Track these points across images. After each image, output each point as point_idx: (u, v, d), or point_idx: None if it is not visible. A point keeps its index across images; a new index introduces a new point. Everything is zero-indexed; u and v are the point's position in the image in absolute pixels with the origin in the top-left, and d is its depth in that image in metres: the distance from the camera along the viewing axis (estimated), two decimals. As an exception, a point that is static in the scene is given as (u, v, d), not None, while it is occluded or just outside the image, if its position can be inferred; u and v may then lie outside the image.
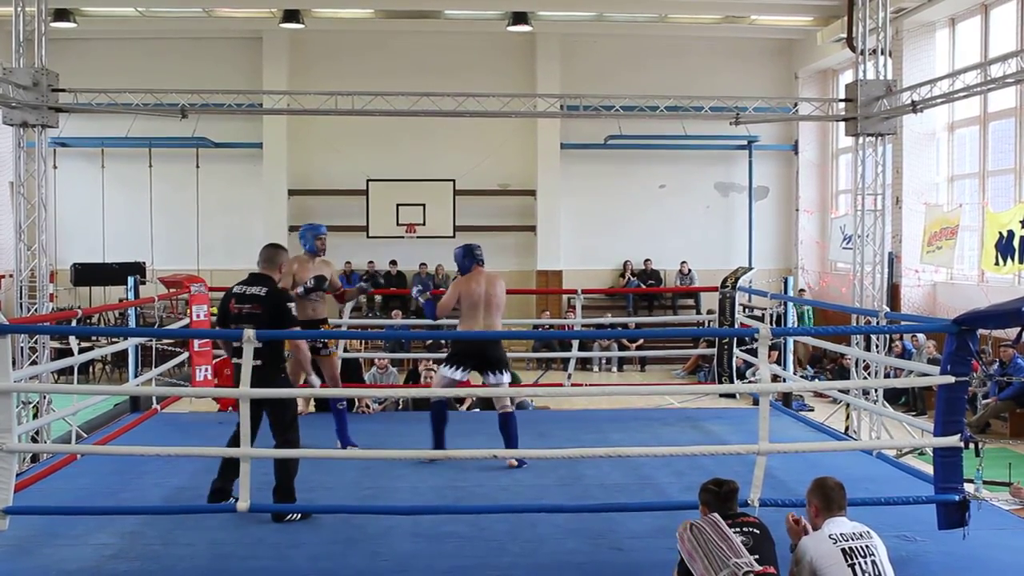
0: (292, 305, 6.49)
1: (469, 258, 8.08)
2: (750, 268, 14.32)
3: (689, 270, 18.86)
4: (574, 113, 13.79)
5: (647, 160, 19.33)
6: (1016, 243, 12.25)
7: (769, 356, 5.96)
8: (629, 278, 19.15)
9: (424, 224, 18.45)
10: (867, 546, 4.29)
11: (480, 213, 18.86)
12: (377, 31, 18.64)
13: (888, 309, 9.68)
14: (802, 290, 18.50)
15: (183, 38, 18.54)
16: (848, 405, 10.42)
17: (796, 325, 13.40)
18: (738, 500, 4.73)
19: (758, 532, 4.37)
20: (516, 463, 7.47)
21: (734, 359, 11.45)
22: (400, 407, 11.34)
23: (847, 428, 10.49)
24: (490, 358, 7.48)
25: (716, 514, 4.39)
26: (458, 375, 7.50)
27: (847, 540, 4.29)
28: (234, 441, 6.22)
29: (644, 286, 18.76)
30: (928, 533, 5.90)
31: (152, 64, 17.89)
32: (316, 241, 8.51)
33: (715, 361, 11.96)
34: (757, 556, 4.18)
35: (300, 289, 8.09)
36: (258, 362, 6.15)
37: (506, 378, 7.58)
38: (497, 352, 7.57)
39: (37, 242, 9.85)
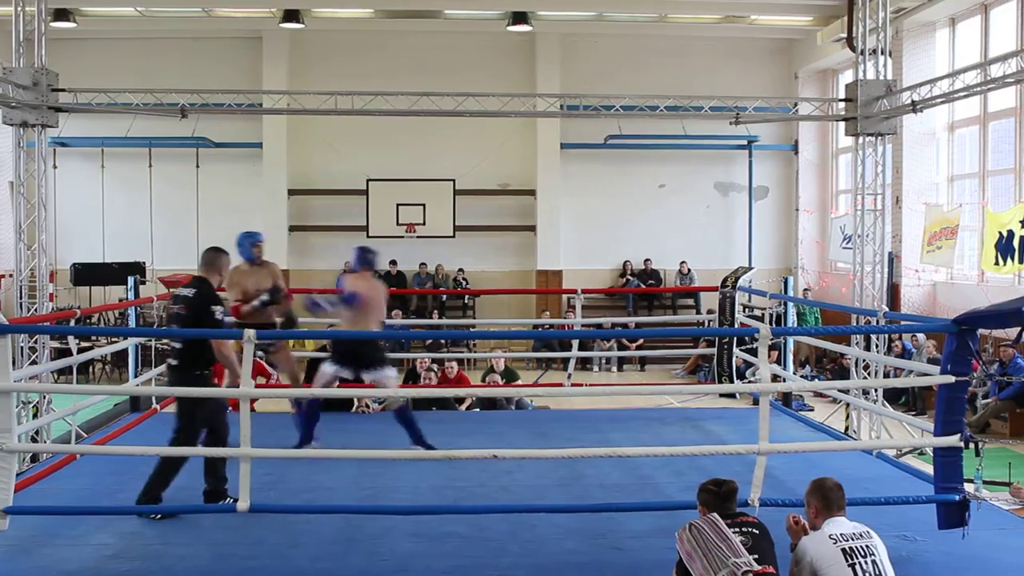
0: (218, 308, 6.58)
1: (362, 261, 8.26)
2: (750, 268, 14.33)
3: (689, 270, 18.85)
4: (574, 113, 13.82)
5: (647, 160, 19.31)
6: (1016, 243, 12.24)
7: (769, 356, 5.97)
8: (629, 278, 19.14)
9: (424, 224, 18.44)
10: (867, 546, 4.28)
11: (480, 213, 18.85)
12: (377, 31, 18.62)
13: (887, 309, 9.69)
14: (806, 290, 18.47)
15: (183, 38, 18.52)
16: (848, 405, 10.42)
17: (796, 325, 13.39)
18: (738, 500, 4.72)
19: (757, 532, 4.34)
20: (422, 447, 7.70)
21: (734, 359, 11.46)
22: (400, 407, 11.33)
23: (847, 428, 10.50)
24: (366, 357, 7.78)
25: (715, 514, 4.36)
26: (342, 373, 7.87)
27: (847, 540, 4.28)
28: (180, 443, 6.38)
29: (644, 286, 18.75)
30: (928, 533, 5.91)
31: (152, 64, 17.87)
32: (253, 248, 8.54)
33: (715, 361, 11.97)
34: (756, 556, 4.16)
35: (257, 302, 8.14)
36: (175, 362, 6.44)
37: (382, 374, 7.84)
38: (372, 352, 7.84)
39: (37, 242, 9.86)
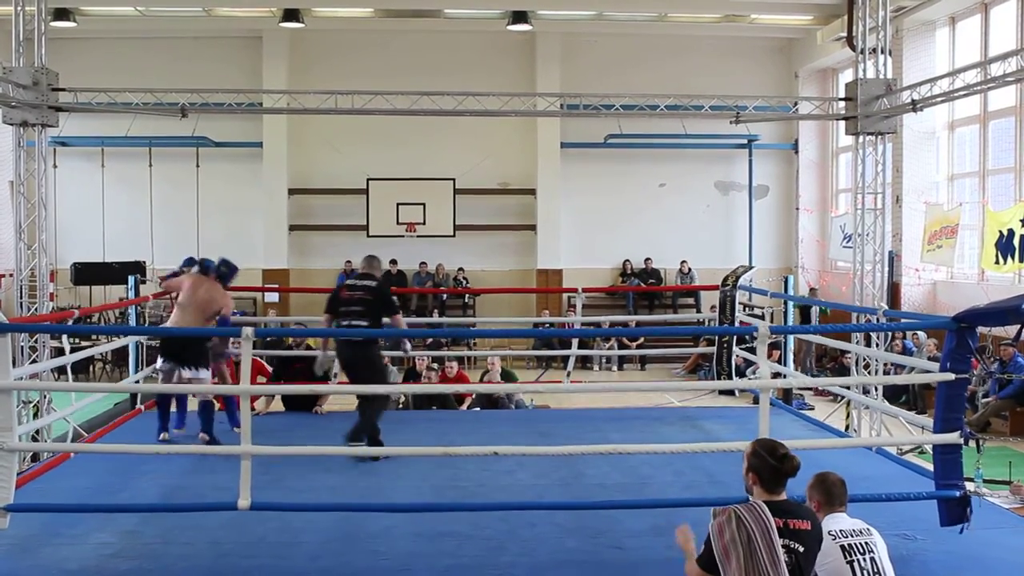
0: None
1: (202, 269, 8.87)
2: (750, 267, 14.31)
3: (689, 269, 18.83)
4: (574, 112, 13.82)
5: (647, 159, 19.32)
6: (1016, 242, 12.24)
7: (770, 355, 5.96)
8: (629, 277, 19.13)
9: (424, 223, 18.45)
10: (866, 543, 4.26)
11: (480, 212, 18.85)
12: (377, 30, 18.62)
13: (886, 307, 9.67)
14: (814, 289, 18.42)
15: (183, 37, 18.52)
16: (848, 403, 10.41)
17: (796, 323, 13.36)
18: (737, 494, 4.66)
19: (803, 549, 3.85)
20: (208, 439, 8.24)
21: (734, 358, 11.45)
22: (400, 406, 11.35)
23: (847, 426, 10.50)
24: (184, 355, 8.23)
25: (768, 512, 3.80)
26: (165, 365, 8.34)
27: (847, 536, 4.25)
28: None
29: (644, 285, 18.74)
30: (928, 531, 5.90)
31: (152, 63, 17.88)
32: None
33: (715, 360, 11.96)
34: None
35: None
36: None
37: (202, 374, 8.28)
38: (193, 349, 8.27)
39: (37, 241, 9.86)
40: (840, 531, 4.28)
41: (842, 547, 4.21)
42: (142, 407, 10.00)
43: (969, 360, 5.70)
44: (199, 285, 8.58)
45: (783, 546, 3.75)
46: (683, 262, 18.88)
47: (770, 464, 3.92)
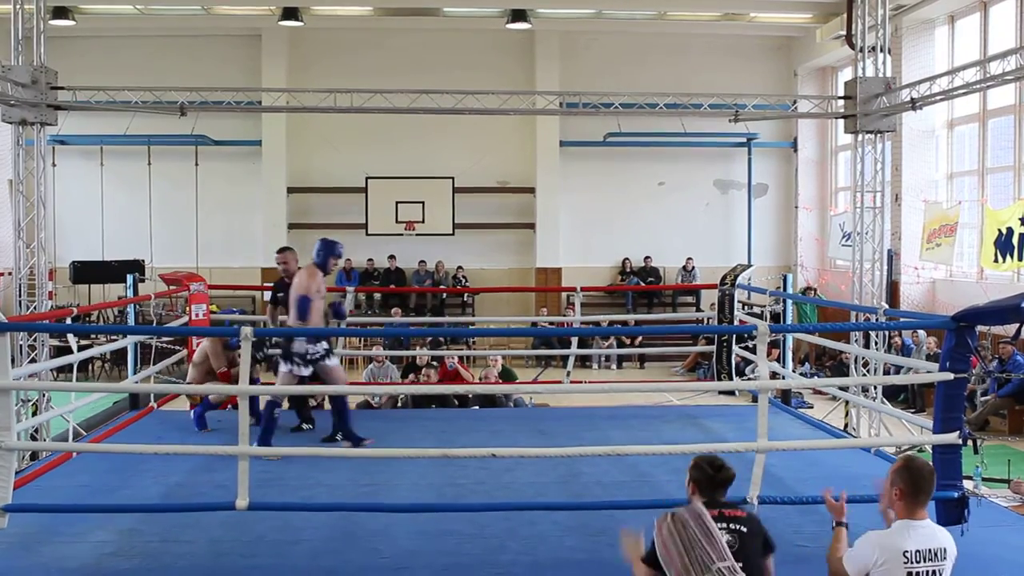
0: None
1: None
2: (749, 265, 14.32)
3: (693, 267, 18.80)
4: (573, 110, 13.83)
5: (646, 157, 19.31)
6: (1015, 240, 12.25)
7: (769, 354, 5.96)
8: (629, 275, 19.12)
9: (423, 221, 18.45)
10: (935, 571, 3.79)
11: (479, 210, 18.85)
12: (376, 28, 18.61)
13: (887, 306, 9.68)
14: (813, 288, 18.43)
15: (182, 36, 18.50)
16: (847, 402, 10.42)
17: (796, 322, 13.37)
18: (736, 498, 4.65)
19: (745, 530, 3.93)
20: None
21: (733, 356, 11.46)
22: (399, 404, 11.36)
23: (846, 425, 10.50)
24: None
25: (701, 505, 3.93)
26: (285, 366, 7.94)
27: (919, 563, 3.75)
28: None
29: (643, 283, 18.73)
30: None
31: (151, 62, 17.86)
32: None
33: (714, 358, 11.97)
34: (742, 563, 3.75)
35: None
36: None
37: (330, 361, 8.06)
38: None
39: (36, 240, 9.87)
40: (916, 553, 3.77)
41: (908, 574, 3.75)
42: (154, 404, 10.01)
43: (968, 359, 5.70)
44: (299, 276, 8.31)
45: (723, 529, 3.86)
46: (689, 259, 18.83)
47: (708, 474, 4.16)
